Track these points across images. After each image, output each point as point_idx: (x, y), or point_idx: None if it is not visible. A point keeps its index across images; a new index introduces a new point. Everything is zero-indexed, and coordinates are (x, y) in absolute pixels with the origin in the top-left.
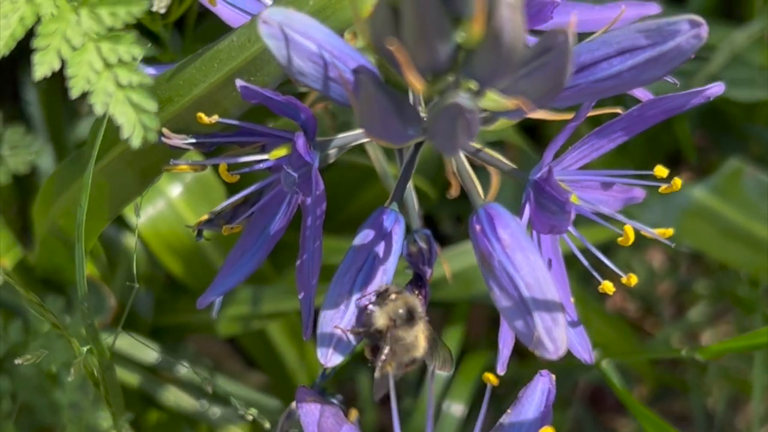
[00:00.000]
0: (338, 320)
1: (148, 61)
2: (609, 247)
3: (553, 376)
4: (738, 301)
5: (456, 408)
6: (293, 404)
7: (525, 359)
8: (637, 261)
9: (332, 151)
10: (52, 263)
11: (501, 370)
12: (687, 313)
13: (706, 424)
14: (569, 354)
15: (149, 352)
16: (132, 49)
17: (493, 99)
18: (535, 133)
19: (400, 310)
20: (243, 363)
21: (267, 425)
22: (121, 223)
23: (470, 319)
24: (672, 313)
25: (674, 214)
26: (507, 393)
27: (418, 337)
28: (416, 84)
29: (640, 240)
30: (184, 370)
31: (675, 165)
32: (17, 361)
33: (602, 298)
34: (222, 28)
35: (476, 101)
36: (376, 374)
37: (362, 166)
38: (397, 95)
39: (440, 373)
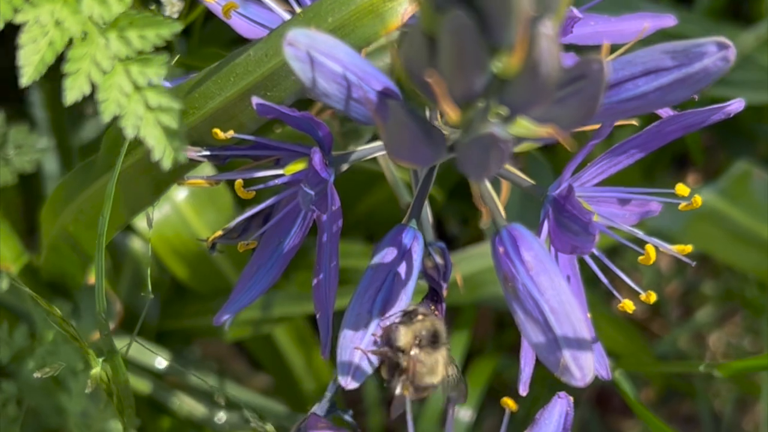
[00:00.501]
0: (358, 341)
1: None
2: (616, 249)
3: (572, 399)
4: (746, 302)
5: (464, 413)
6: (301, 424)
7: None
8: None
9: (345, 164)
10: (59, 268)
11: (523, 390)
12: (694, 315)
13: (713, 426)
14: None
15: (156, 358)
16: (161, 71)
17: (524, 126)
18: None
19: (424, 332)
20: (248, 364)
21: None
22: (127, 228)
23: (477, 322)
24: (679, 315)
25: (682, 217)
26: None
27: (439, 362)
28: (451, 114)
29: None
30: (190, 374)
31: (683, 166)
32: (36, 375)
33: (609, 300)
34: (229, 30)
35: (507, 128)
36: (397, 392)
37: (369, 170)
38: (425, 121)
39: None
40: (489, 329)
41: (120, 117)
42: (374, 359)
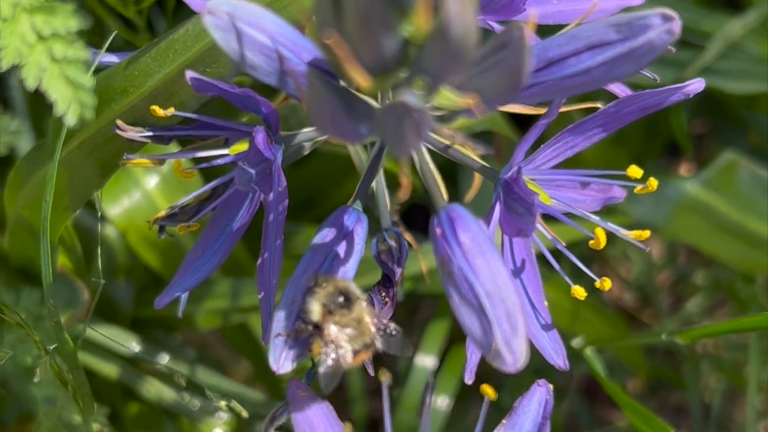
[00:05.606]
0: (291, 324)
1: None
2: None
3: (551, 386)
4: (734, 294)
5: (441, 401)
6: (278, 407)
7: None
8: (635, 251)
9: (307, 144)
10: (22, 254)
11: (468, 378)
12: (684, 305)
13: (702, 417)
14: None
15: (129, 344)
16: (69, 21)
17: (447, 97)
18: (526, 123)
19: (332, 296)
20: (232, 351)
21: (245, 415)
22: (101, 216)
23: None
24: (669, 304)
25: (666, 208)
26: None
27: (362, 319)
28: (360, 79)
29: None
30: (164, 362)
31: (674, 155)
32: None
33: (598, 290)
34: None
35: (428, 99)
36: (320, 369)
37: (346, 156)
38: (347, 92)
39: (421, 363)
40: None
41: (20, 67)
42: (303, 342)
